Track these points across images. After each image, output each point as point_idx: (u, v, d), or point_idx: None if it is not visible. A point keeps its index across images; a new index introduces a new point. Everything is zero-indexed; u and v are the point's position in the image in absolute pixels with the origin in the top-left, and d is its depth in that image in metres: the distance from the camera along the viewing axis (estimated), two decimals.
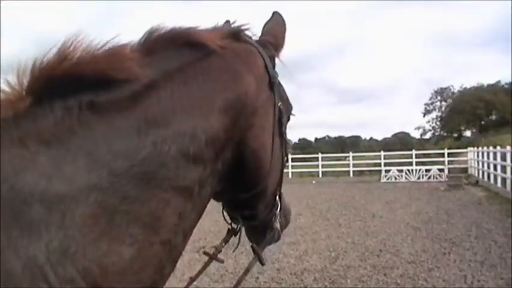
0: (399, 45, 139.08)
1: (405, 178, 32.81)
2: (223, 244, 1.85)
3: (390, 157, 37.14)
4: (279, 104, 1.70)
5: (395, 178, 33.16)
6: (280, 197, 1.86)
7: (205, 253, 1.85)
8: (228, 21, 1.77)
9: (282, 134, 1.73)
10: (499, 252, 9.78)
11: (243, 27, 1.70)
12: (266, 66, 1.67)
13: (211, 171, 1.44)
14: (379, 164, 36.18)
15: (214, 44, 1.52)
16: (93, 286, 1.13)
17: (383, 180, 32.97)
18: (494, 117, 57.74)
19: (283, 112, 1.74)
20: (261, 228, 1.86)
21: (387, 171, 34.52)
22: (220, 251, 1.83)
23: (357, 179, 34.73)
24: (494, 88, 59.83)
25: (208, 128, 1.40)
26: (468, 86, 63.43)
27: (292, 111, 1.91)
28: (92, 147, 1.23)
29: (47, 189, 1.15)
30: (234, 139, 1.49)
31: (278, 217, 1.87)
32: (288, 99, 1.87)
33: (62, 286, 1.09)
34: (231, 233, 1.87)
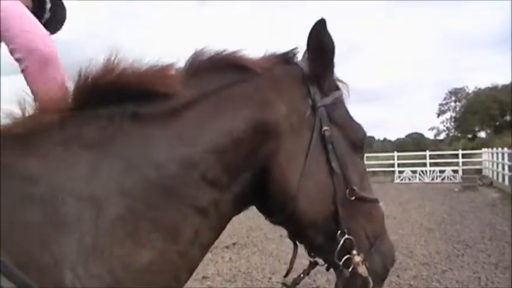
0: (413, 45, 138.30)
1: (419, 179, 32.59)
2: (303, 276, 1.84)
3: (404, 158, 36.84)
4: (323, 129, 1.61)
5: (409, 179, 32.96)
6: (379, 239, 1.75)
7: (283, 284, 1.81)
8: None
9: (329, 161, 1.61)
10: None
11: (294, 50, 1.70)
12: (309, 91, 1.63)
13: (229, 195, 1.48)
14: (393, 165, 35.87)
15: (256, 68, 1.56)
16: (116, 282, 1.21)
17: (397, 181, 32.78)
18: (508, 117, 57.07)
19: (334, 137, 1.63)
20: (332, 265, 1.76)
21: (400, 172, 34.28)
22: (298, 283, 1.81)
23: (371, 180, 34.29)
24: (509, 88, 59.20)
25: (227, 155, 1.45)
26: (482, 87, 62.88)
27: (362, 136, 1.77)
28: (130, 155, 1.32)
29: (83, 189, 1.23)
30: (254, 165, 1.52)
31: (358, 259, 1.67)
32: (351, 124, 1.74)
33: (89, 280, 1.16)
34: (312, 265, 1.86)
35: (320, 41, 1.60)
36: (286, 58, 1.70)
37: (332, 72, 1.70)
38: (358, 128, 1.76)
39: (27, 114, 1.39)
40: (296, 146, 1.57)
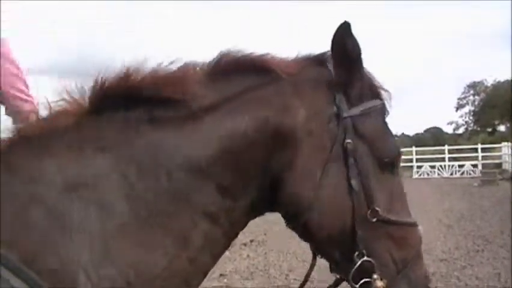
0: (431, 39, 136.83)
1: (438, 174, 32.36)
2: None
3: (422, 153, 36.53)
4: (346, 141, 1.49)
5: (428, 174, 32.73)
6: (410, 266, 1.58)
7: None
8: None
9: (349, 177, 1.49)
10: None
11: (329, 52, 1.56)
12: (335, 98, 1.52)
13: (242, 202, 1.46)
14: (411, 160, 35.52)
15: (282, 71, 1.49)
16: (127, 284, 1.22)
17: (415, 176, 32.53)
18: None
19: (357, 151, 1.51)
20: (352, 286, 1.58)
21: (419, 167, 34.07)
22: None
23: None
24: None
25: (240, 162, 1.42)
26: (502, 80, 61.97)
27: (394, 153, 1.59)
28: (143, 160, 1.32)
29: (95, 192, 1.25)
30: (268, 172, 1.47)
31: (380, 284, 1.52)
32: (383, 138, 1.58)
33: (101, 282, 1.18)
34: (338, 282, 1.74)
35: (344, 45, 1.49)
36: (321, 60, 1.60)
37: (360, 79, 1.56)
38: (391, 143, 1.60)
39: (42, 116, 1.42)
40: (314, 156, 1.48)
